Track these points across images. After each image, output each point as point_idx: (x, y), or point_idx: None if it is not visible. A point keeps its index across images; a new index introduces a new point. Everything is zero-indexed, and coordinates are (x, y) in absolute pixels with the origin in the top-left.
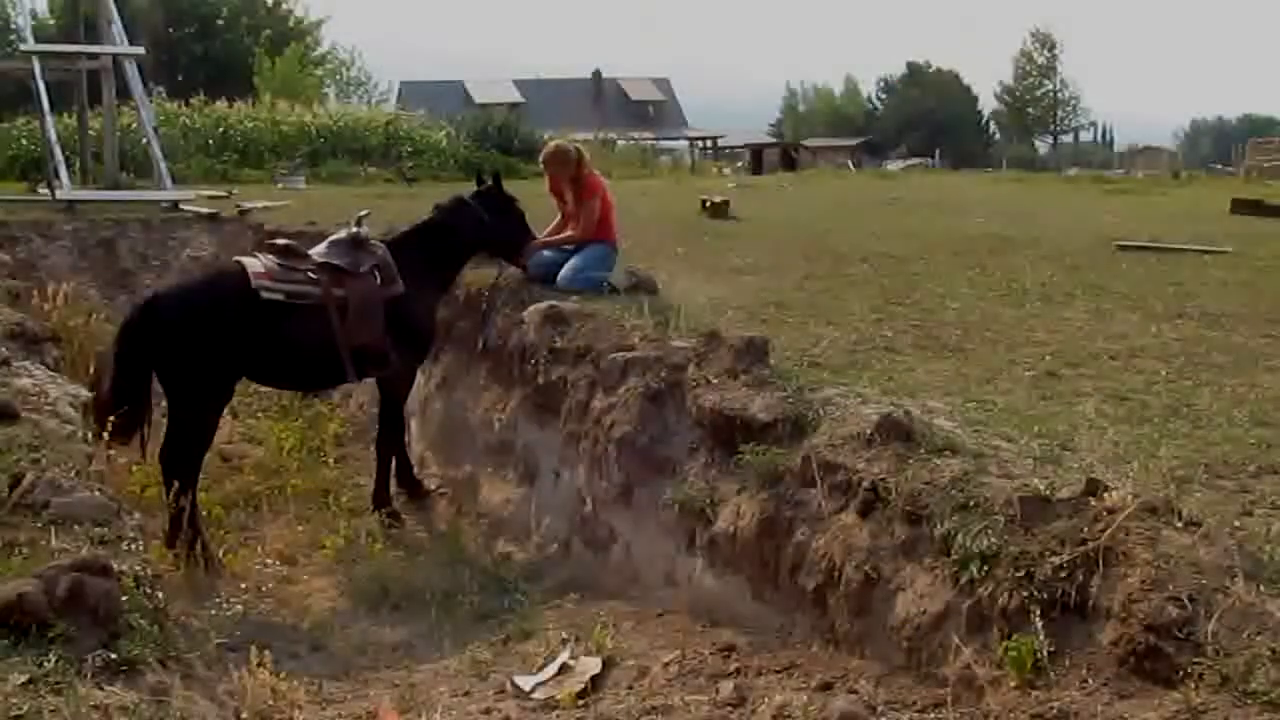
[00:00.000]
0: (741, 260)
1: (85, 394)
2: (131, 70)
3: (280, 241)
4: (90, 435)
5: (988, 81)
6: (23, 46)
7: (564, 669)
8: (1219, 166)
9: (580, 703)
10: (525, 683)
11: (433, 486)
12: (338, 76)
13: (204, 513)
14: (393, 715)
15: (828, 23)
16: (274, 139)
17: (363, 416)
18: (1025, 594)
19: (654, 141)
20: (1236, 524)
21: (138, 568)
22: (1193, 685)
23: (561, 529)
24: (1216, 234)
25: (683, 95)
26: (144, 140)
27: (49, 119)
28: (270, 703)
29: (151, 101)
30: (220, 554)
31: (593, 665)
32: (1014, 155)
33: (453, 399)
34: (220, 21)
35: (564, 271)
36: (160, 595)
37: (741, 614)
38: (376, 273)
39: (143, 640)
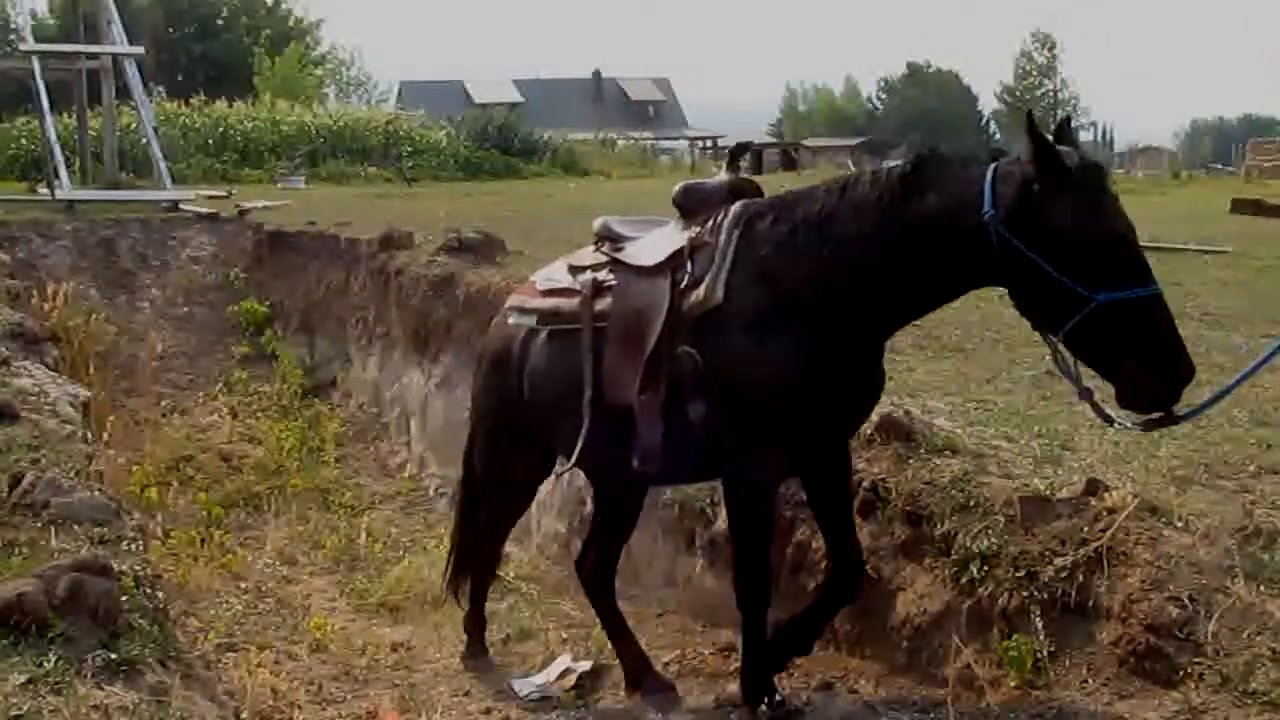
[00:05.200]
0: None
1: (85, 394)
2: (131, 70)
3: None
4: (90, 435)
5: (988, 81)
6: (23, 46)
7: (564, 674)
8: (1219, 166)
9: (580, 702)
10: (521, 687)
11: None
12: (338, 76)
13: (204, 513)
14: (393, 715)
15: (828, 23)
16: (274, 139)
17: (362, 416)
18: (1025, 594)
19: (654, 141)
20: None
21: (138, 568)
22: (1193, 685)
23: (561, 529)
24: (1216, 234)
25: (683, 95)
26: (144, 140)
27: (49, 119)
28: (270, 703)
29: (151, 101)
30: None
31: (583, 665)
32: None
33: (453, 399)
34: (220, 21)
35: None
36: (160, 595)
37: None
38: (688, 265)
39: (143, 640)
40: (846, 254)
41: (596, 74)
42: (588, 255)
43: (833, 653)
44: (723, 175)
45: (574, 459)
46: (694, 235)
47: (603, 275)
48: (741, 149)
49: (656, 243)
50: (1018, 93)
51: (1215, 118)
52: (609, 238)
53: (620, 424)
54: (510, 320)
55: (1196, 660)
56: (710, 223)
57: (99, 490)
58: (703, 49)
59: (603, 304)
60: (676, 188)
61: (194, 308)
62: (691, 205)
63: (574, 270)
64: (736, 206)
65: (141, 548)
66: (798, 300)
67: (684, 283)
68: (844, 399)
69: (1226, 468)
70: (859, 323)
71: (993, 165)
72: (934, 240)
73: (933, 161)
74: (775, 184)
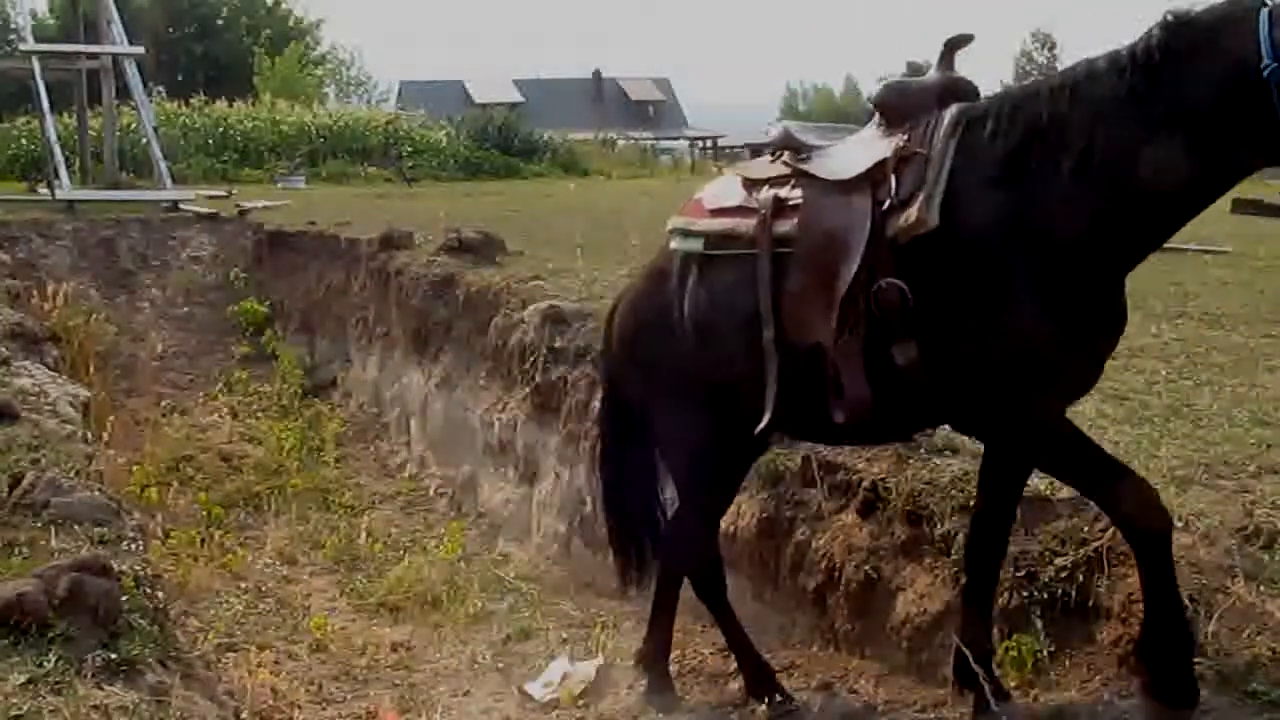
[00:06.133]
0: None
1: (85, 394)
2: (131, 70)
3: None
4: (90, 435)
5: (988, 82)
6: (23, 46)
7: (566, 677)
8: None
9: (580, 703)
10: (536, 691)
11: None
12: (338, 76)
13: (204, 513)
14: (393, 715)
15: (828, 23)
16: (274, 139)
17: (362, 416)
18: (1026, 594)
19: (654, 141)
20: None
21: (138, 568)
22: None
23: (561, 529)
24: (1216, 234)
25: (683, 95)
26: (144, 140)
27: (49, 119)
28: (270, 703)
29: (151, 101)
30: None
31: (588, 670)
32: None
33: (453, 399)
34: (220, 21)
35: None
36: (160, 595)
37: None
38: (892, 181)
39: (143, 640)
40: (1094, 163)
41: (596, 74)
42: (764, 166)
43: (833, 653)
44: (934, 74)
45: (768, 414)
46: (900, 144)
47: (785, 191)
48: (962, 39)
49: (852, 152)
50: None
51: None
52: (791, 146)
53: (801, 367)
54: (672, 245)
55: (1196, 660)
56: (919, 130)
57: (99, 490)
58: (703, 49)
59: (785, 225)
60: (878, 85)
61: (194, 308)
62: (896, 107)
63: (750, 185)
64: (953, 111)
65: (141, 548)
66: (1033, 224)
67: (888, 202)
68: (1092, 340)
69: (1226, 468)
70: (1113, 248)
71: (1265, 10)
72: (1207, 124)
73: (1184, 27)
74: None
